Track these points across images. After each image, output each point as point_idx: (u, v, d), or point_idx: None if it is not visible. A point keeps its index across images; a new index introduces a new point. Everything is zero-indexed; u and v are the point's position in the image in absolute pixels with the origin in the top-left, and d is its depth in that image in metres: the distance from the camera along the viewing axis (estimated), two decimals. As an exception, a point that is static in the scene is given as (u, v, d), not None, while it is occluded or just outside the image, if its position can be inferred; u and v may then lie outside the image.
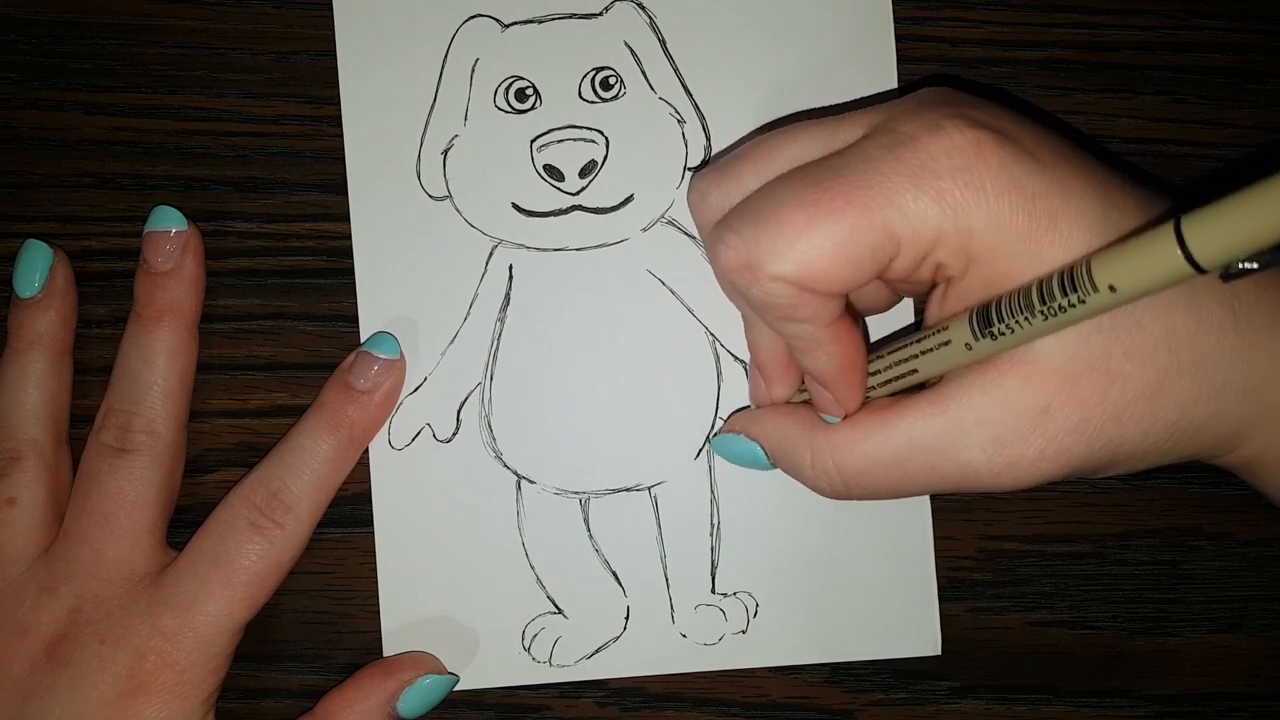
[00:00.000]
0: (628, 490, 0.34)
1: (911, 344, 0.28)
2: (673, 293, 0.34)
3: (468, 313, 0.34)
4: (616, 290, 0.34)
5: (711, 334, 0.34)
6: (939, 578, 0.34)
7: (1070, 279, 0.23)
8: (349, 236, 0.34)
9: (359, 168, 0.34)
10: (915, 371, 0.27)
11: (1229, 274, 0.21)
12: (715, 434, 0.33)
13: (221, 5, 0.35)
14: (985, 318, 0.25)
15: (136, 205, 0.34)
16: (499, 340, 0.34)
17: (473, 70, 0.34)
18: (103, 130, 0.34)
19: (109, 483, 0.32)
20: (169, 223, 0.33)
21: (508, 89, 0.34)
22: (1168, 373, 0.25)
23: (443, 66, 0.34)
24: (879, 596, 0.34)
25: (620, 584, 0.34)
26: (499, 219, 0.34)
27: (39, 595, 0.31)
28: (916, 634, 0.34)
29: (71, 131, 0.34)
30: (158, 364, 0.32)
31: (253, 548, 0.31)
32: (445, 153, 0.34)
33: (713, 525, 0.34)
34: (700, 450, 0.34)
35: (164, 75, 0.35)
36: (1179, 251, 0.21)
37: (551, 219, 0.34)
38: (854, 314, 0.30)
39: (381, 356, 0.33)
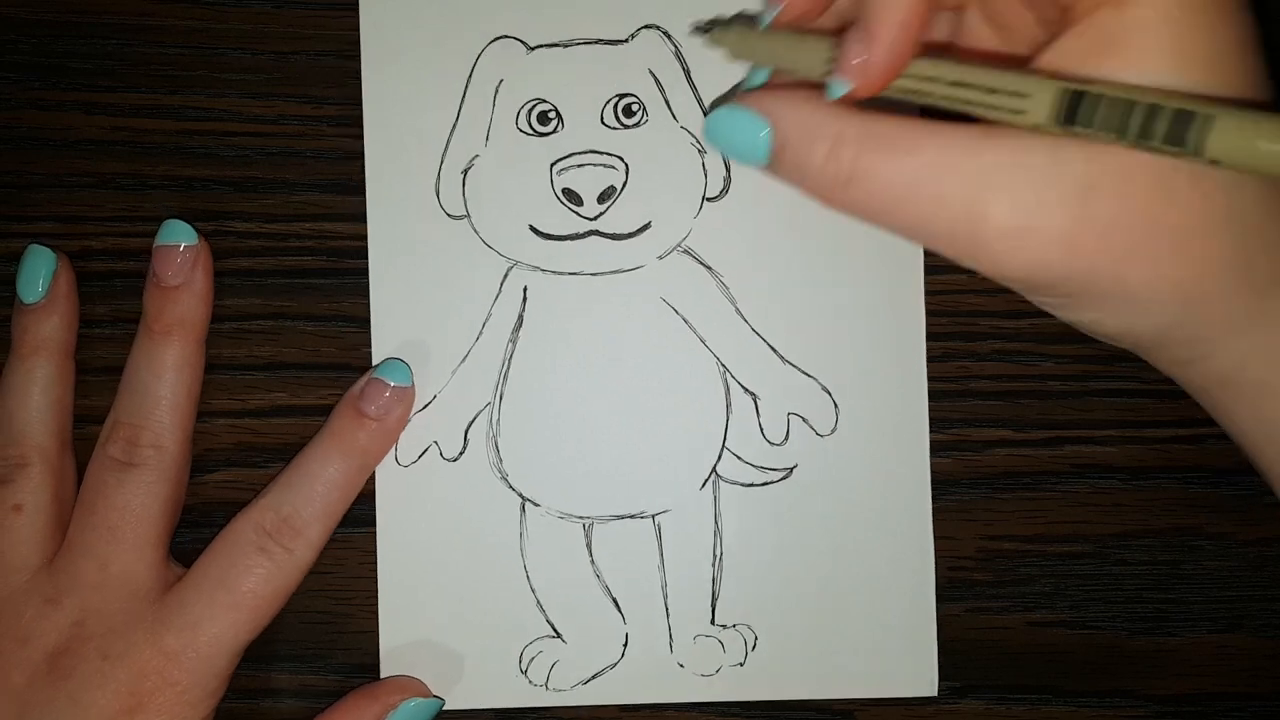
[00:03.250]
0: (632, 517, 0.34)
1: (984, 71, 0.24)
2: (686, 322, 0.34)
3: (480, 332, 0.34)
4: (630, 317, 0.34)
5: (723, 364, 0.34)
6: (939, 577, 0.34)
7: (1180, 127, 0.21)
8: (349, 236, 0.34)
9: (378, 184, 0.34)
10: (970, 103, 0.24)
11: None
12: (713, 107, 0.30)
13: (221, 5, 0.35)
14: (1071, 110, 0.22)
15: (136, 205, 0.34)
16: (510, 361, 0.34)
17: (496, 91, 0.34)
18: (103, 130, 0.34)
19: (115, 496, 0.32)
20: (180, 237, 0.33)
21: (530, 111, 0.34)
22: (1214, 217, 0.23)
23: (466, 86, 0.34)
24: (878, 634, 0.34)
25: (620, 611, 0.34)
26: (516, 240, 0.34)
27: (42, 606, 0.31)
28: (915, 673, 0.34)
29: (71, 131, 0.34)
30: (166, 378, 0.32)
31: (260, 572, 0.31)
32: (465, 172, 0.34)
33: (715, 556, 0.34)
34: (706, 480, 0.34)
35: (164, 75, 0.35)
36: None
37: (568, 243, 0.34)
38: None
39: (393, 384, 0.33)
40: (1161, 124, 0.21)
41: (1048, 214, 0.23)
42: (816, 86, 0.26)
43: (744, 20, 0.32)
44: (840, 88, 0.25)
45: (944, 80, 0.25)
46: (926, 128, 0.24)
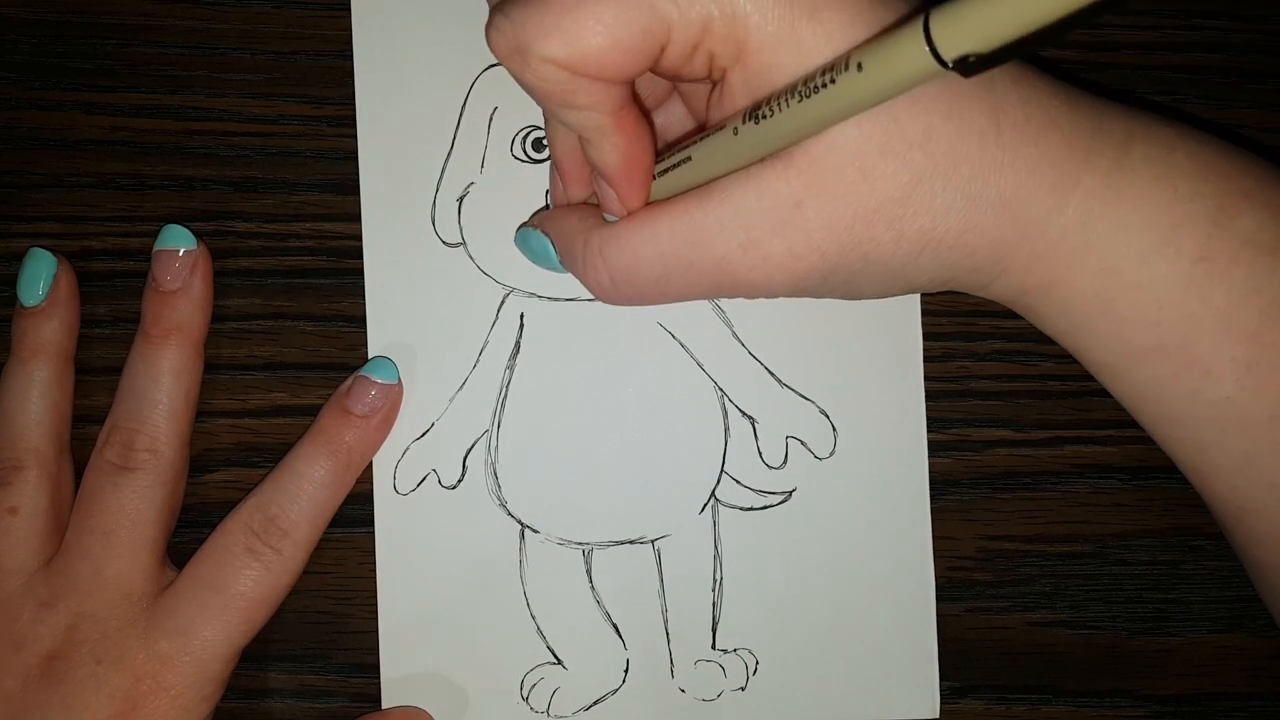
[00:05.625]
0: (631, 543, 0.34)
1: (693, 140, 0.27)
2: (683, 346, 0.34)
3: (477, 360, 0.34)
4: (626, 342, 0.34)
5: (720, 388, 0.34)
6: (939, 577, 0.34)
7: (830, 65, 0.23)
8: (349, 236, 0.34)
9: (374, 213, 0.34)
10: (689, 159, 0.27)
11: (967, 67, 0.21)
12: (519, 227, 0.33)
13: (221, 5, 0.35)
14: (755, 106, 0.25)
15: (136, 205, 0.34)
16: (507, 388, 0.34)
17: (490, 119, 0.34)
18: (103, 130, 0.34)
19: (111, 500, 0.32)
20: (178, 242, 0.33)
21: (525, 139, 0.34)
22: (922, 174, 0.25)
23: (460, 115, 0.34)
24: (879, 658, 0.34)
25: (620, 636, 0.34)
26: (512, 267, 0.34)
27: (37, 610, 0.31)
28: (916, 695, 0.34)
29: (71, 131, 0.34)
30: (163, 382, 0.32)
31: (250, 574, 0.31)
32: (461, 200, 0.34)
33: (715, 581, 0.34)
34: (705, 505, 0.34)
35: (164, 75, 0.35)
36: (923, 37, 0.21)
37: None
38: (647, 116, 0.30)
39: (379, 381, 0.33)
40: (816, 71, 0.23)
41: (775, 238, 0.26)
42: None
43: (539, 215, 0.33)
44: (612, 219, 0.28)
45: (670, 160, 0.28)
46: (656, 211, 0.27)
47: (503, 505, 0.34)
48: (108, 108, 0.35)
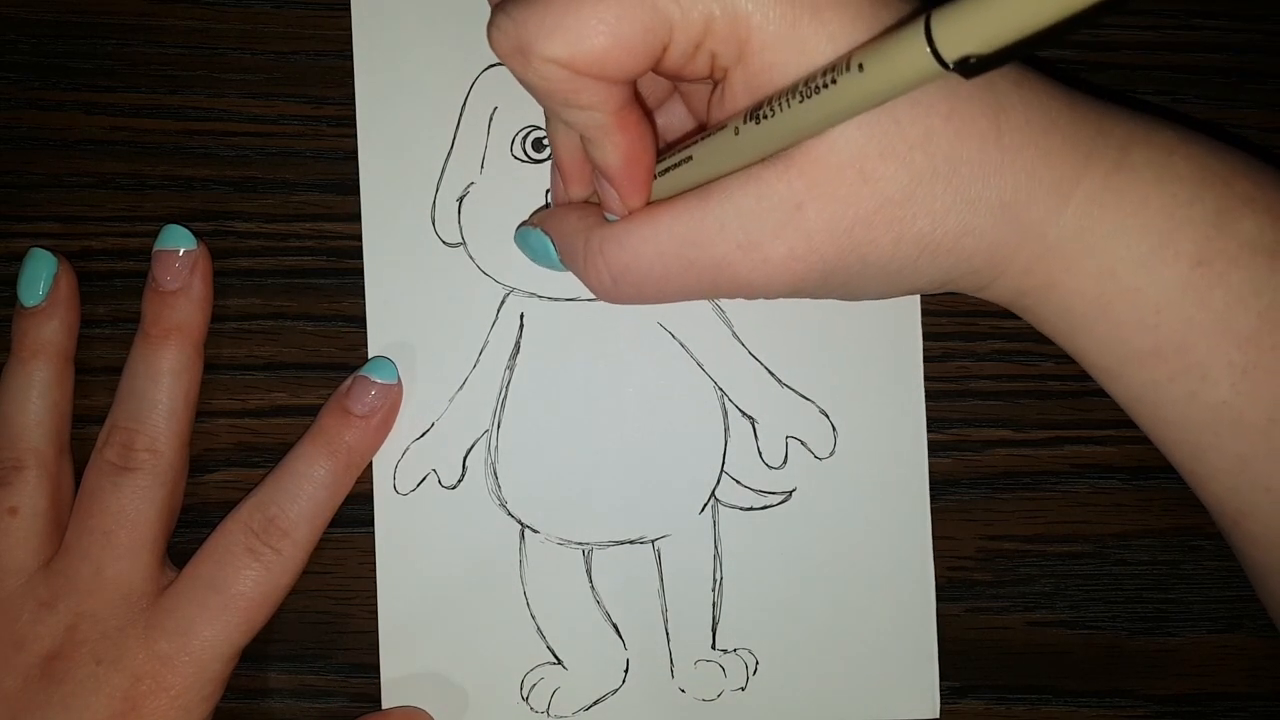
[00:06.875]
0: (631, 543, 0.34)
1: (694, 140, 0.27)
2: (683, 346, 0.34)
3: (477, 360, 0.34)
4: (626, 342, 0.34)
5: (720, 389, 0.34)
6: (939, 577, 0.34)
7: (831, 66, 0.23)
8: (349, 236, 0.34)
9: (374, 213, 0.34)
10: (690, 159, 0.27)
11: (968, 68, 0.21)
12: (518, 226, 0.33)
13: (221, 5, 0.35)
14: (756, 106, 0.25)
15: (136, 205, 0.34)
16: (507, 388, 0.34)
17: (490, 119, 0.34)
18: (103, 130, 0.34)
19: (111, 500, 0.32)
20: (178, 242, 0.33)
21: (525, 139, 0.34)
22: (922, 176, 0.25)
23: (460, 115, 0.34)
24: (879, 657, 0.34)
25: (620, 636, 0.34)
26: (512, 267, 0.34)
27: (37, 610, 0.31)
28: (915, 695, 0.34)
29: (71, 131, 0.34)
30: (163, 382, 0.32)
31: (249, 574, 0.31)
32: (461, 200, 0.34)
33: (715, 581, 0.34)
34: (705, 505, 0.34)
35: (164, 75, 0.35)
36: (925, 38, 0.21)
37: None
38: (649, 116, 0.30)
39: (379, 381, 0.33)
40: (817, 72, 0.23)
41: (776, 240, 0.26)
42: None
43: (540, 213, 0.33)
44: (614, 219, 0.28)
45: (672, 159, 0.28)
46: (656, 211, 0.27)
47: (503, 505, 0.34)
48: (108, 108, 0.35)
